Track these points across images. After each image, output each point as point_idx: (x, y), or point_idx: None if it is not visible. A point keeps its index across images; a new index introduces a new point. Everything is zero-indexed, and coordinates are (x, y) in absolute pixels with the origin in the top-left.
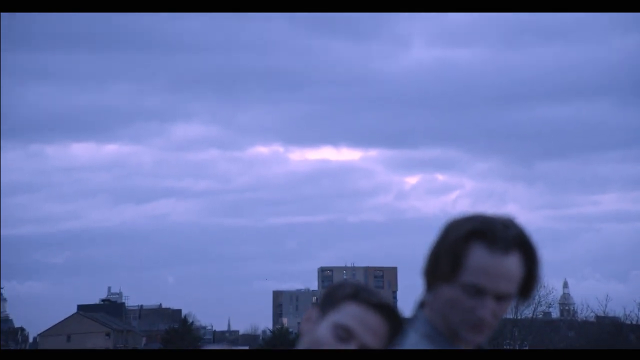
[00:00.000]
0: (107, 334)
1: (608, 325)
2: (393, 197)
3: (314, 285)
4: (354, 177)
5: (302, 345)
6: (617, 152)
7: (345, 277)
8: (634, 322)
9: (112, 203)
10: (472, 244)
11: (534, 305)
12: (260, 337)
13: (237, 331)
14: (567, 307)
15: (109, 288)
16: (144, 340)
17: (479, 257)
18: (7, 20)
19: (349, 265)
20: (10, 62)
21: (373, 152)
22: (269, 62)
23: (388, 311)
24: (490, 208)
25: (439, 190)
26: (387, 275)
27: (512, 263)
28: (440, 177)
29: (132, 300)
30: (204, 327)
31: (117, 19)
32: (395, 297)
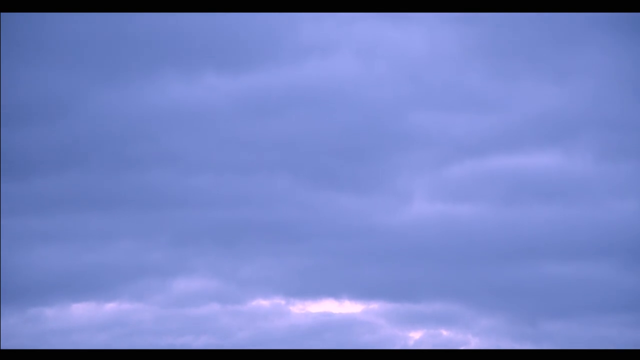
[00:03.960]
0: None
1: None
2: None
3: None
4: (356, 331)
5: None
6: (622, 316)
7: None
8: None
9: None
10: None
11: None
12: None
13: None
14: None
15: None
16: None
17: None
18: (9, 187)
19: None
20: (10, 227)
21: (375, 305)
22: (271, 215)
23: None
24: None
25: (443, 347)
26: None
27: None
28: (445, 332)
29: None
30: None
31: (119, 176)
32: None
